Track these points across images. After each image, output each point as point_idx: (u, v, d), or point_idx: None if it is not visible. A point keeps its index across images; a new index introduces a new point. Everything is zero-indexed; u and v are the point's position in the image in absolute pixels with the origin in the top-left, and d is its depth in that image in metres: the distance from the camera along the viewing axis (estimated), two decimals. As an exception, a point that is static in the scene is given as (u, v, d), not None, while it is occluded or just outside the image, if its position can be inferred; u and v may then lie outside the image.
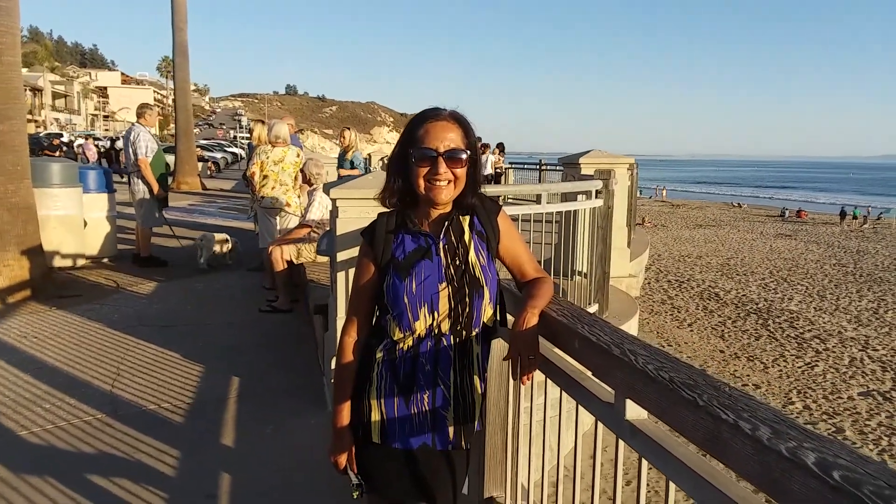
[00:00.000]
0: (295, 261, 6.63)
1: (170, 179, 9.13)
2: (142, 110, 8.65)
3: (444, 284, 1.74)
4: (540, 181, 16.24)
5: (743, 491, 1.14)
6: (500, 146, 16.99)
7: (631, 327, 6.00)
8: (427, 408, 1.76)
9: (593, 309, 5.70)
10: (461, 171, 1.73)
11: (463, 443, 1.82)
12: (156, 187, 8.38)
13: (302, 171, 7.35)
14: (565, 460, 3.62)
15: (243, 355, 5.34)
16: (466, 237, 1.80)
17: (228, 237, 9.07)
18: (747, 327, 14.30)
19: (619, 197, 7.25)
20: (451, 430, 1.78)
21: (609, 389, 1.55)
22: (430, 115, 1.75)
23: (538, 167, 17.21)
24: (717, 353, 12.34)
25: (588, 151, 8.01)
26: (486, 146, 16.97)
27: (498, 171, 16.80)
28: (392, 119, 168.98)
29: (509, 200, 12.64)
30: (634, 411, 1.43)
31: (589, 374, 1.66)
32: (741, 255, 24.78)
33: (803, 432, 1.01)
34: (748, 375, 11.04)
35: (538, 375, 1.97)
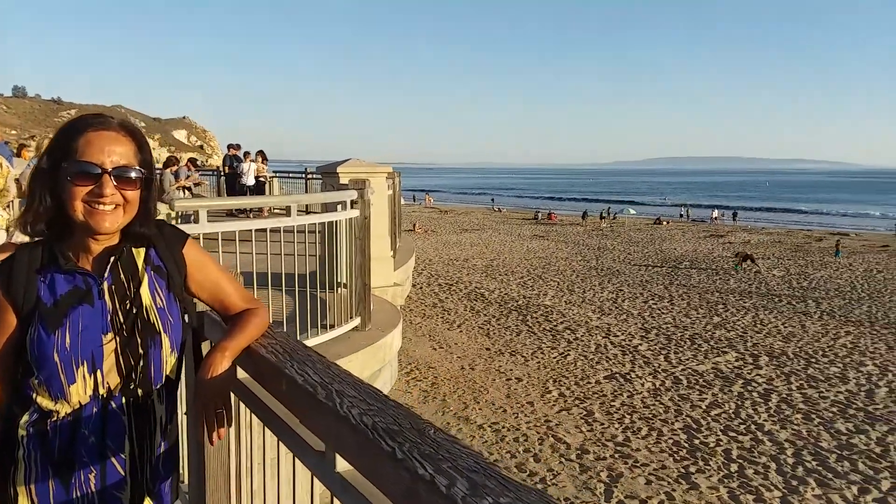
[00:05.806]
0: None
1: None
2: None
3: (109, 336, 1.41)
4: (306, 191, 15.86)
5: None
6: (262, 153, 16.31)
7: (394, 337, 5.96)
8: (95, 489, 1.40)
9: (355, 322, 5.56)
10: (133, 194, 1.41)
11: None
12: None
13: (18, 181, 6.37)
14: None
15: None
16: (140, 274, 1.48)
17: None
18: (510, 324, 15.28)
19: (378, 206, 7.21)
20: None
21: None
22: (94, 123, 1.40)
23: (304, 176, 16.78)
24: (484, 350, 13.00)
25: (346, 160, 7.87)
26: (246, 154, 16.24)
27: (261, 179, 16.11)
28: (144, 124, 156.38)
29: (275, 211, 12.13)
30: (344, 463, 1.25)
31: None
32: (503, 257, 26.59)
33: (502, 483, 0.89)
34: (511, 370, 11.74)
35: (257, 422, 1.73)
